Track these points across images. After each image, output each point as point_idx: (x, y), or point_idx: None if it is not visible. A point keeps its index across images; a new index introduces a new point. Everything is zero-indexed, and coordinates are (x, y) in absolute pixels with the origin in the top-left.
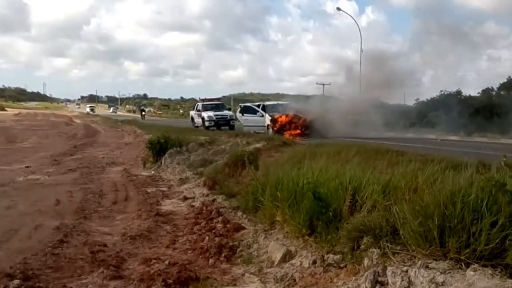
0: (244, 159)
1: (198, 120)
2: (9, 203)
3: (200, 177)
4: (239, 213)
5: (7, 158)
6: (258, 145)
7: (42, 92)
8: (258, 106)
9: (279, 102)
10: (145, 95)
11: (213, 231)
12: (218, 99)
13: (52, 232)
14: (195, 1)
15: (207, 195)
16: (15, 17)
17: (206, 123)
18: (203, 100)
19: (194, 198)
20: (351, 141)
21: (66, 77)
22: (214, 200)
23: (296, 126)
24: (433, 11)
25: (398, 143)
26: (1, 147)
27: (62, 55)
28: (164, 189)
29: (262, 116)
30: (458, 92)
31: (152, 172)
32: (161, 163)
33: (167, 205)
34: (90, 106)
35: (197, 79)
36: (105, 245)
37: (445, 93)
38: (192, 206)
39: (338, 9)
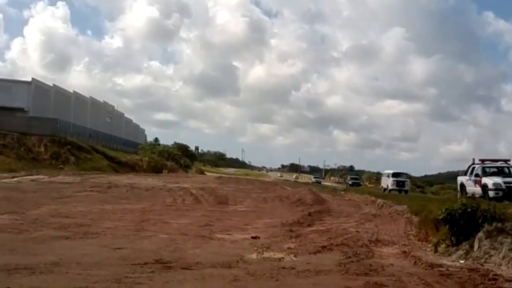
0: None
1: (472, 189)
2: None
3: None
4: None
5: (223, 224)
6: None
7: (240, 159)
8: None
9: None
10: (351, 167)
11: None
12: (506, 161)
13: None
14: (419, 67)
15: None
16: (224, 80)
17: (491, 193)
18: (482, 161)
19: None
20: None
21: (268, 144)
22: None
23: None
24: None
25: None
26: (212, 209)
27: (268, 121)
28: None
29: None
30: None
31: (461, 261)
32: (471, 247)
33: None
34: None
35: (413, 152)
36: None
37: None
38: None
39: None
